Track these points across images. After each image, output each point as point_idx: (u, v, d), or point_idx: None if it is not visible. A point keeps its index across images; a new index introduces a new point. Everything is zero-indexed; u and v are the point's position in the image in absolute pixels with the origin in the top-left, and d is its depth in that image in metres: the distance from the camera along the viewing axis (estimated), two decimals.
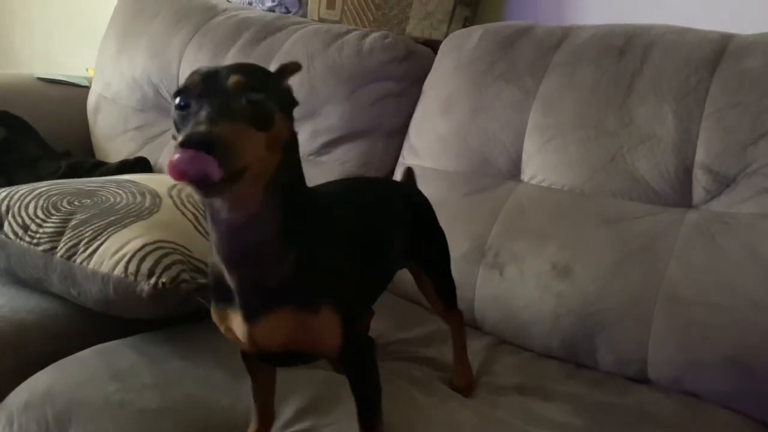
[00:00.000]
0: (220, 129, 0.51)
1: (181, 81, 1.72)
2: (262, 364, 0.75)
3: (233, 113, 0.53)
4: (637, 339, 1.00)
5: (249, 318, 0.63)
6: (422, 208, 0.94)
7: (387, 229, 0.83)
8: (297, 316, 0.62)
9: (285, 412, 0.83)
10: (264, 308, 0.62)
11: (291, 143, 0.61)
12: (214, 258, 0.63)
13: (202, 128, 0.50)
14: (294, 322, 0.62)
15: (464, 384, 0.94)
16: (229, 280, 0.62)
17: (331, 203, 0.72)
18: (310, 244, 0.63)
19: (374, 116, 1.40)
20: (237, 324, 0.64)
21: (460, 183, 1.20)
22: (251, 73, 0.58)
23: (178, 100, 0.56)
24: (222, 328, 0.67)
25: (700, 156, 1.03)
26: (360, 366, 0.70)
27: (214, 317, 0.67)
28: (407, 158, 1.35)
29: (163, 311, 0.95)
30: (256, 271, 0.61)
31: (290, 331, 0.63)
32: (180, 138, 0.50)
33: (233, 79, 0.55)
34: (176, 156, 0.49)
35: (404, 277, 0.92)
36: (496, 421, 0.86)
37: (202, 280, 0.94)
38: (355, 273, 0.69)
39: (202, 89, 0.55)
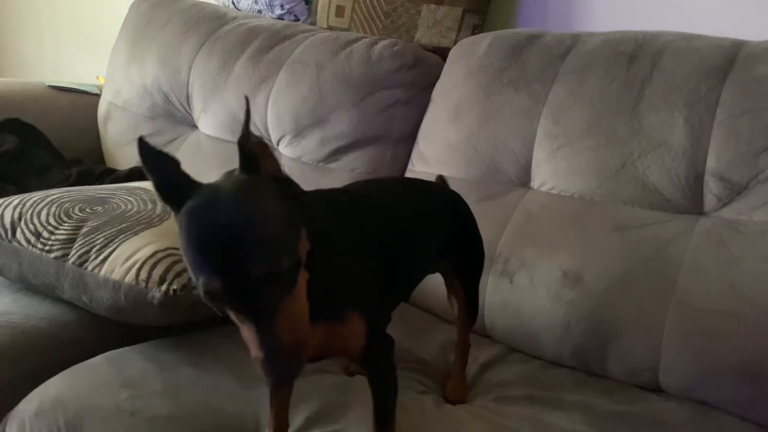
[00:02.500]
0: (289, 336, 0.51)
1: (191, 89, 1.73)
2: None
3: (277, 303, 0.52)
4: (648, 347, 0.99)
5: None
6: (459, 213, 0.95)
7: (417, 232, 0.84)
8: (327, 328, 0.63)
9: (296, 419, 0.83)
10: None
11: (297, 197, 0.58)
12: None
13: (286, 370, 0.52)
14: (325, 334, 0.63)
15: (457, 398, 0.94)
16: None
17: (356, 208, 0.74)
18: (335, 260, 0.64)
19: (383, 124, 1.40)
20: None
21: (469, 190, 1.19)
22: (270, 255, 0.52)
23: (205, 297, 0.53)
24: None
25: (711, 163, 1.02)
26: (379, 363, 0.72)
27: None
28: (416, 165, 1.35)
29: (174, 318, 0.95)
30: None
31: (322, 341, 0.64)
32: (270, 382, 0.54)
33: (260, 274, 0.50)
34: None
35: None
36: (506, 430, 0.85)
37: None
38: (381, 279, 0.71)
39: (231, 292, 0.51)
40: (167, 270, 0.92)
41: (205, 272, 0.51)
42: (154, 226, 0.99)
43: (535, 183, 1.19)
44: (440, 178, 1.03)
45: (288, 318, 0.52)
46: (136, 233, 0.97)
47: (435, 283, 0.95)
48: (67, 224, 1.01)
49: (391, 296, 0.79)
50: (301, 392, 0.83)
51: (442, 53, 1.44)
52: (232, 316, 0.54)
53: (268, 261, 0.51)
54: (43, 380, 0.89)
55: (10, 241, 1.02)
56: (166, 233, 0.98)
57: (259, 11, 1.84)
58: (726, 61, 1.06)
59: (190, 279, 0.93)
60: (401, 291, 0.83)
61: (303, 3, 1.80)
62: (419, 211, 0.86)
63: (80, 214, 1.03)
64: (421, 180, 1.03)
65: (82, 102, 1.86)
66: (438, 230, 0.88)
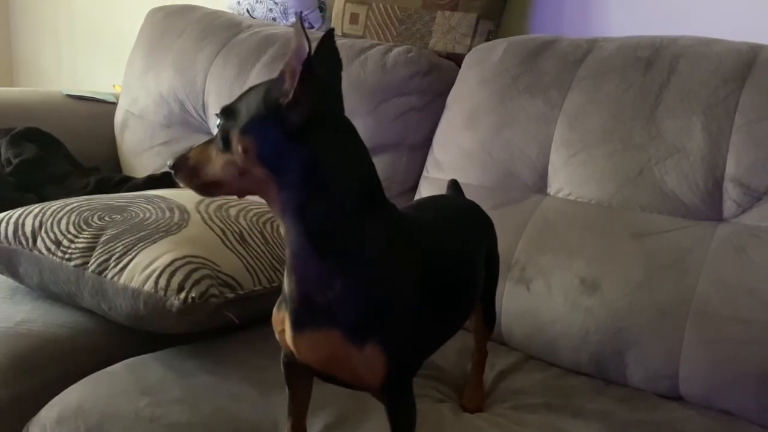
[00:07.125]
0: (186, 154, 0.67)
1: (207, 97, 1.74)
2: (301, 376, 0.75)
3: (211, 140, 0.66)
4: (667, 355, 0.98)
5: (296, 327, 0.65)
6: (492, 231, 0.91)
7: (469, 261, 0.80)
8: (341, 342, 0.62)
9: (314, 426, 0.83)
10: (311, 323, 0.64)
11: (289, 167, 0.61)
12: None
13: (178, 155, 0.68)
14: (337, 347, 0.63)
15: (474, 408, 0.93)
16: (286, 284, 0.65)
17: (407, 233, 0.68)
18: (366, 275, 0.62)
19: (398, 130, 1.41)
20: (287, 329, 0.66)
21: (485, 197, 1.19)
22: (236, 102, 0.66)
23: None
24: (277, 330, 0.69)
25: (730, 169, 1.02)
26: (398, 399, 0.69)
27: (273, 319, 0.69)
28: (431, 172, 1.35)
29: (192, 325, 0.96)
30: (301, 284, 0.63)
31: (332, 354, 0.63)
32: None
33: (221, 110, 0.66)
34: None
35: None
36: None
37: (230, 295, 0.95)
38: (420, 314, 0.66)
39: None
40: (186, 278, 0.92)
41: None
42: (173, 234, 1.00)
43: (551, 189, 1.19)
44: (453, 182, 1.01)
45: (199, 153, 0.67)
46: (154, 241, 0.98)
47: None
48: (86, 233, 1.02)
49: (428, 335, 0.72)
50: (319, 399, 0.82)
51: (457, 60, 1.44)
52: None
53: (223, 111, 0.65)
54: (64, 387, 0.90)
55: (30, 250, 1.03)
56: (185, 241, 0.99)
57: (274, 19, 1.85)
58: (744, 65, 1.05)
59: (208, 287, 0.93)
60: (441, 330, 0.76)
61: (317, 11, 1.81)
62: (467, 238, 0.81)
63: (99, 223, 1.04)
64: (454, 198, 0.97)
65: (99, 110, 1.89)
66: (481, 256, 0.84)
